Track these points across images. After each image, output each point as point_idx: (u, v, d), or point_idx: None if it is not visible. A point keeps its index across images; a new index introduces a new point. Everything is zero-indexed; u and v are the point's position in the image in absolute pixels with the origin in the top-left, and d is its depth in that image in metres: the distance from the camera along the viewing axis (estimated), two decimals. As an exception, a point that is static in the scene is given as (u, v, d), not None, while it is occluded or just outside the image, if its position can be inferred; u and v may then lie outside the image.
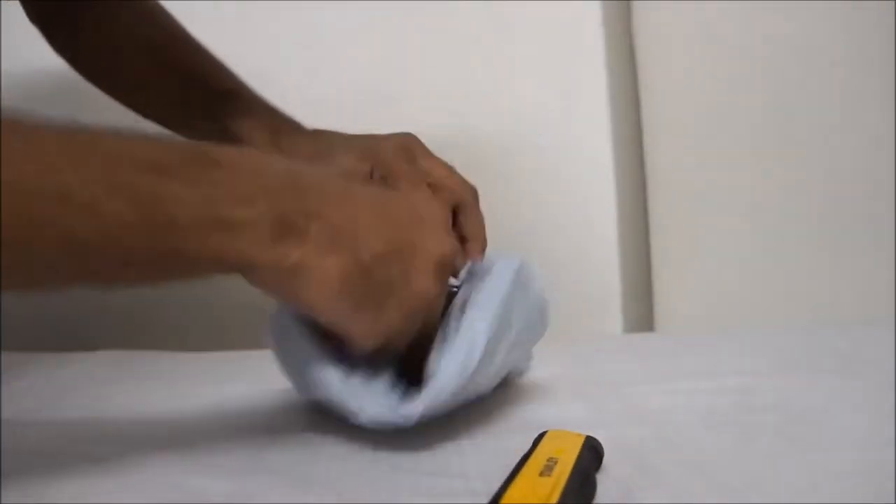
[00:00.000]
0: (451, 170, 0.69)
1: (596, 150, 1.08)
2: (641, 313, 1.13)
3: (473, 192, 0.69)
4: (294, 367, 0.56)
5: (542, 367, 0.73)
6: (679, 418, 0.55)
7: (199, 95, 0.78)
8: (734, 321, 1.08)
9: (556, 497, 0.39)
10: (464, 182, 0.69)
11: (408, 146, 0.69)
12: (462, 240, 0.66)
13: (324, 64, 1.11)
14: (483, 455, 0.51)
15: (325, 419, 0.55)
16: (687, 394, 0.60)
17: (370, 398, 0.50)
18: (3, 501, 0.44)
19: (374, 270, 0.46)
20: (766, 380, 0.64)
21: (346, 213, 0.46)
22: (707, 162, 1.10)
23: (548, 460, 0.43)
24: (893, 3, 1.01)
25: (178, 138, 0.75)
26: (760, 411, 0.56)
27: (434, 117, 1.09)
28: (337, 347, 0.50)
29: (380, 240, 0.47)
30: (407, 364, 0.52)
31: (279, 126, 0.75)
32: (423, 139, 0.71)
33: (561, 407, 0.60)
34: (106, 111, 1.10)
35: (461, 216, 0.67)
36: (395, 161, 0.67)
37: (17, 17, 0.83)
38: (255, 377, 0.67)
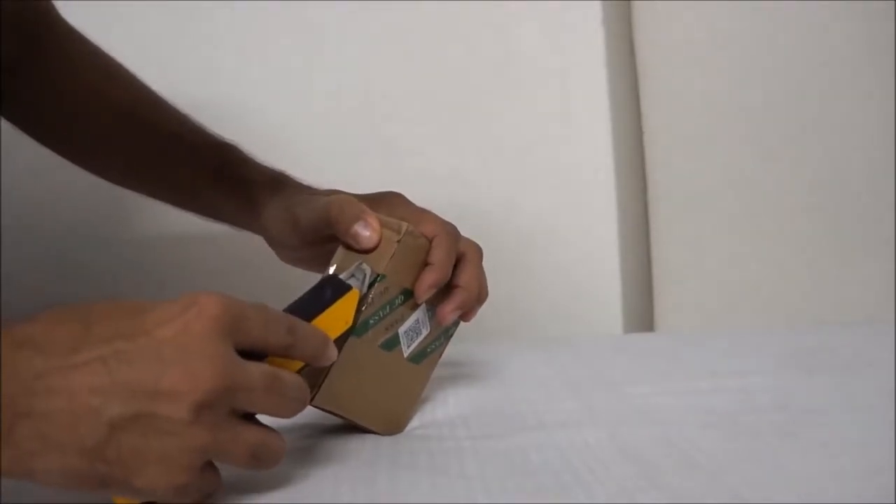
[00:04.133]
0: (448, 223, 0.61)
1: (596, 150, 1.08)
2: (641, 313, 1.13)
3: (477, 249, 0.62)
4: None
5: (542, 367, 0.73)
6: (679, 418, 0.55)
7: (183, 150, 0.73)
8: (734, 321, 1.08)
9: None
10: (468, 239, 0.62)
11: (387, 197, 0.63)
12: (453, 286, 0.59)
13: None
14: (483, 455, 0.51)
15: (325, 420, 0.55)
16: (687, 394, 0.60)
17: None
18: (3, 501, 0.44)
19: (106, 450, 0.41)
20: (766, 380, 0.64)
21: (62, 400, 0.41)
22: (707, 162, 1.10)
23: None
24: (893, 3, 1.01)
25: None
26: (760, 411, 0.56)
27: (432, 118, 1.09)
28: None
29: (105, 417, 0.41)
30: None
31: (273, 172, 0.70)
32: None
33: (561, 407, 0.60)
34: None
35: (458, 268, 0.60)
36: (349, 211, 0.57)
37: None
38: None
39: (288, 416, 0.46)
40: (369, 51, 1.10)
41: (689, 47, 1.10)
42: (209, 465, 0.44)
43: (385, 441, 0.54)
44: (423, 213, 0.61)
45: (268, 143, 1.11)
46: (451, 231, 0.59)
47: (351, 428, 0.56)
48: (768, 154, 1.08)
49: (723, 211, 1.10)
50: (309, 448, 0.53)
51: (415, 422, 0.58)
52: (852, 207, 1.05)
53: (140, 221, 1.12)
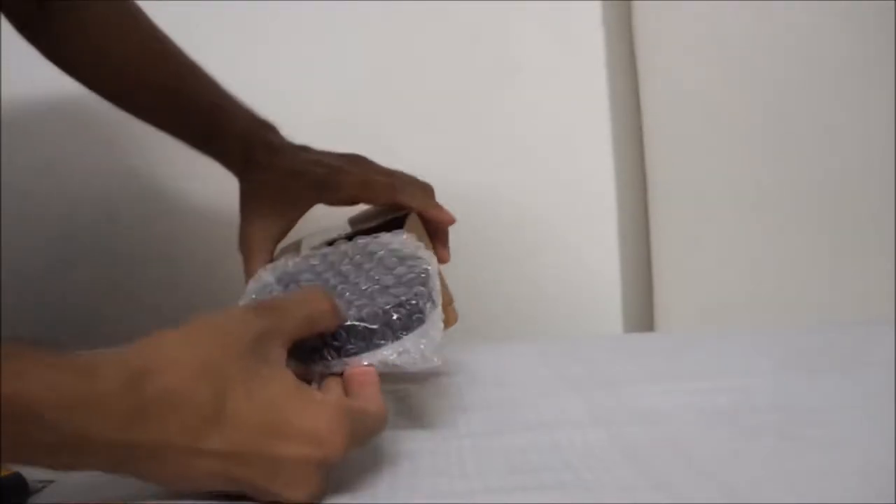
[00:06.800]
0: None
1: (596, 149, 1.08)
2: (641, 313, 1.13)
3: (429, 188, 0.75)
4: None
5: (542, 367, 0.73)
6: (679, 418, 0.55)
7: (184, 107, 0.80)
8: (734, 321, 1.08)
9: None
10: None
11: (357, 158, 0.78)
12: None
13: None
14: (483, 455, 0.51)
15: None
16: (687, 394, 0.60)
17: None
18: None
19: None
20: (766, 380, 0.64)
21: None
22: (707, 162, 1.10)
23: None
24: (893, 3, 1.01)
25: None
26: (760, 411, 0.56)
27: (431, 118, 1.09)
28: None
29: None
30: None
31: (253, 144, 0.77)
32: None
33: (561, 407, 0.60)
34: (102, 128, 1.10)
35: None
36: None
37: (18, 38, 0.83)
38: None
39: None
40: (367, 51, 1.10)
41: (689, 47, 1.10)
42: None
43: (385, 442, 0.54)
44: (392, 175, 0.74)
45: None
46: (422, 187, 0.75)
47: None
48: (768, 154, 1.08)
49: (723, 211, 1.10)
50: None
51: (415, 422, 0.59)
52: (852, 207, 1.05)
53: (139, 217, 1.12)
